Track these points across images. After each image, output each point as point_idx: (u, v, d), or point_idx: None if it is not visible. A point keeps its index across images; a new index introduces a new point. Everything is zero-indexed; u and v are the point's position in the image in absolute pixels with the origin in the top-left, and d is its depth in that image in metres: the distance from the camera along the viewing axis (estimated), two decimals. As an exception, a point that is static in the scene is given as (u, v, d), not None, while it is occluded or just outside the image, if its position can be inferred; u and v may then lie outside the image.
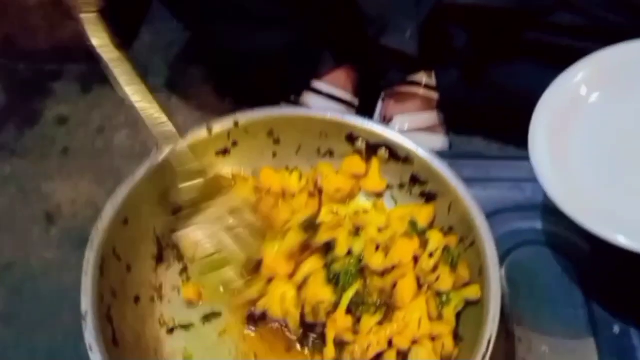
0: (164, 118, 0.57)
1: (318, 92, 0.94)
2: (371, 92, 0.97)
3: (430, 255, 0.56)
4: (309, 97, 0.95)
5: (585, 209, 0.54)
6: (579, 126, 0.61)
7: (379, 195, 0.66)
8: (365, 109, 0.97)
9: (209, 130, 0.64)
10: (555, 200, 0.55)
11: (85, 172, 0.98)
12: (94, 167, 1.00)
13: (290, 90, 0.96)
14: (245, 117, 0.65)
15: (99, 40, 0.56)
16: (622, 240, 0.52)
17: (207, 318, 0.61)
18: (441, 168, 0.61)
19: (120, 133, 1.05)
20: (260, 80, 0.95)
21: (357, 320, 0.56)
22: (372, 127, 0.65)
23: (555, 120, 0.60)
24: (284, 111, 0.66)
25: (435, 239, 0.57)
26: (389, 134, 0.64)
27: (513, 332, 0.61)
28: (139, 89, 0.57)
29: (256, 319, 0.60)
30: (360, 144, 0.66)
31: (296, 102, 0.94)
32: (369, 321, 0.55)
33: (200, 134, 0.64)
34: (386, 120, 0.92)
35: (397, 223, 0.61)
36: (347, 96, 0.94)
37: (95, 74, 0.98)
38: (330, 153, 0.67)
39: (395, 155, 0.64)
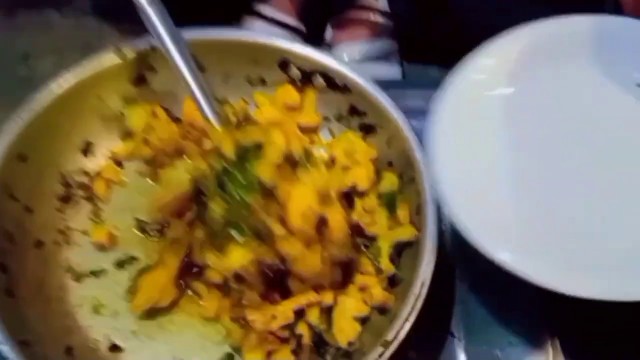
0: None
1: (260, 16, 0.87)
2: (321, 18, 0.90)
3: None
4: (250, 22, 0.87)
5: (479, 221, 0.45)
6: (485, 126, 0.51)
7: (315, 130, 0.59)
8: (315, 37, 0.89)
9: (121, 54, 0.56)
10: (450, 207, 0.46)
11: (6, 103, 0.89)
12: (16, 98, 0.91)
13: (231, 14, 0.88)
14: (162, 40, 0.57)
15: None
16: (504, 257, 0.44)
17: (121, 264, 0.55)
18: (381, 98, 0.54)
19: (45, 60, 0.96)
20: (199, 2, 0.86)
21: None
22: (307, 52, 0.58)
23: (456, 121, 0.50)
24: (207, 33, 0.58)
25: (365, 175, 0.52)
26: (326, 60, 0.57)
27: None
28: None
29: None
30: (294, 71, 0.59)
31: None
32: None
33: (110, 58, 0.56)
34: (335, 48, 0.85)
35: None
36: (292, 21, 0.86)
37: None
38: (262, 81, 0.61)
39: (333, 83, 0.57)
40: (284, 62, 0.59)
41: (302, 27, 0.88)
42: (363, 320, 0.51)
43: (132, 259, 0.55)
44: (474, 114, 0.50)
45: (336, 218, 0.49)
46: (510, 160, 0.49)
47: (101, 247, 0.55)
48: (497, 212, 0.47)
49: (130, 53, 0.57)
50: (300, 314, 0.51)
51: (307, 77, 0.59)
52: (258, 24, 0.87)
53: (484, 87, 0.52)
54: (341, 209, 0.49)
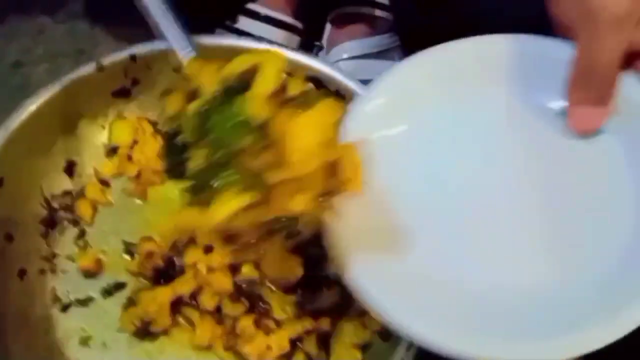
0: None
1: (254, 15, 0.82)
2: (318, 14, 0.86)
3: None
4: (244, 22, 0.83)
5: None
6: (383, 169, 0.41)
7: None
8: (313, 34, 0.85)
9: (99, 65, 0.53)
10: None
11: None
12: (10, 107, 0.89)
13: (224, 14, 0.84)
14: (145, 49, 0.53)
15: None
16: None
17: (109, 291, 0.52)
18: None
19: (38, 68, 0.93)
20: (191, 3, 0.83)
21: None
22: (295, 56, 0.54)
23: None
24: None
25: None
26: (315, 65, 0.53)
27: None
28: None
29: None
30: (283, 78, 0.55)
31: (231, 28, 0.83)
32: None
33: (88, 70, 0.53)
34: (333, 46, 0.81)
35: None
36: (287, 19, 0.82)
37: (9, 2, 0.86)
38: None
39: (324, 88, 0.53)
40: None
41: (299, 25, 0.84)
42: (364, 347, 0.48)
43: (120, 286, 0.52)
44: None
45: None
46: (408, 212, 0.41)
47: (88, 274, 0.52)
48: (398, 274, 0.39)
49: (110, 66, 0.53)
50: (296, 342, 0.48)
51: (298, 83, 0.54)
52: (252, 23, 0.83)
53: (376, 127, 0.43)
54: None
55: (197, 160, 0.36)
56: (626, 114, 0.40)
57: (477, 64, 0.44)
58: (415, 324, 0.36)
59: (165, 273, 0.52)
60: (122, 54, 0.53)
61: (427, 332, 0.36)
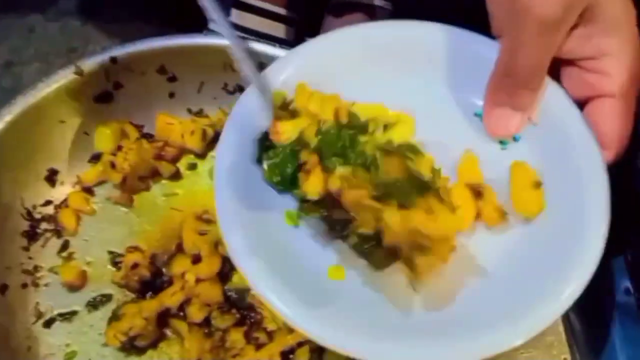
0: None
1: (247, 7, 0.79)
2: (315, 4, 0.82)
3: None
4: (237, 15, 0.80)
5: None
6: None
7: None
8: (310, 25, 0.82)
9: (78, 69, 0.50)
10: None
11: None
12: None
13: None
14: (125, 51, 0.51)
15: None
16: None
17: (94, 304, 0.50)
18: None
19: (30, 68, 0.91)
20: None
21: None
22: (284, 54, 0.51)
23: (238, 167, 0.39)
24: (174, 41, 0.52)
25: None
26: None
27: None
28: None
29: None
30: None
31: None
32: None
33: (66, 75, 0.50)
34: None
35: None
36: (282, 10, 0.79)
37: (-1, 1, 0.84)
38: (241, 89, 0.54)
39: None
40: (262, 67, 0.52)
41: (294, 16, 0.81)
42: None
43: (106, 298, 0.50)
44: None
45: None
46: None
47: (72, 287, 0.50)
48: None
49: (90, 69, 0.51)
50: (288, 355, 0.46)
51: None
52: (246, 16, 0.80)
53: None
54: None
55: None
56: (545, 126, 0.38)
57: (403, 47, 0.41)
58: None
59: (152, 284, 0.50)
60: (102, 57, 0.51)
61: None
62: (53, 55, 0.87)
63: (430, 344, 0.34)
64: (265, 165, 0.38)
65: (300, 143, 0.38)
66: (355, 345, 0.34)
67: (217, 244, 0.49)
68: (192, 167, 0.55)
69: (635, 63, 0.36)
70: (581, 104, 0.38)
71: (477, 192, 0.38)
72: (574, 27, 0.35)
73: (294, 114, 0.40)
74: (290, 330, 0.47)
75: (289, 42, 0.78)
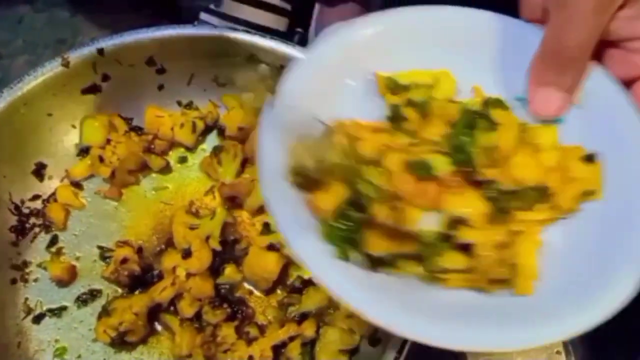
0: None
1: (242, -1, 0.78)
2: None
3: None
4: (229, 5, 0.79)
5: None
6: None
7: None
8: (302, 16, 0.82)
9: (65, 61, 0.50)
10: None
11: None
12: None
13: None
14: (112, 43, 0.50)
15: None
16: None
17: (84, 300, 0.49)
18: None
19: (18, 59, 0.90)
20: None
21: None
22: (276, 45, 0.50)
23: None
24: (163, 32, 0.51)
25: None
26: (299, 54, 0.50)
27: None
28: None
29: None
30: (264, 69, 0.52)
31: (216, 12, 0.79)
32: None
33: (53, 67, 0.50)
34: (322, 26, 0.77)
35: None
36: (274, 0, 0.78)
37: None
38: (231, 81, 0.54)
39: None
40: (252, 59, 0.52)
41: (287, 7, 0.80)
42: (351, 352, 0.45)
43: (95, 293, 0.50)
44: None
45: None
46: None
47: (61, 282, 0.50)
48: None
49: (77, 61, 0.50)
50: (280, 349, 0.46)
51: (278, 74, 0.51)
52: (238, 6, 0.79)
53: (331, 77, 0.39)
54: None
55: None
56: (590, 108, 0.37)
57: (442, 31, 0.40)
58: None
59: (142, 279, 0.49)
60: (89, 49, 0.50)
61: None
62: (42, 46, 0.86)
63: (500, 329, 0.33)
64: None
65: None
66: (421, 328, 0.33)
67: (207, 237, 0.49)
68: (182, 160, 0.55)
69: None
70: (626, 86, 0.37)
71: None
72: (620, 8, 0.35)
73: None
74: (282, 324, 0.46)
75: (281, 33, 0.77)
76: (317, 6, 0.81)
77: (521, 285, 0.34)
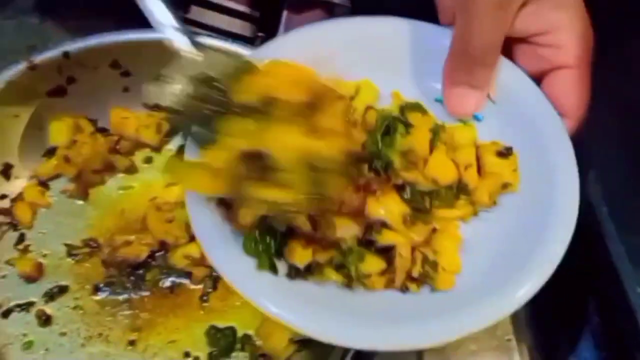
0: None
1: (207, 5, 0.80)
2: (275, 1, 0.83)
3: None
4: (197, 11, 0.80)
5: None
6: None
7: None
8: (270, 23, 0.83)
9: (31, 64, 0.51)
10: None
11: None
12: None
13: (177, 5, 0.81)
14: (77, 46, 0.52)
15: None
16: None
17: (51, 295, 0.51)
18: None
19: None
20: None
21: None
22: (238, 49, 0.52)
23: None
24: (127, 36, 0.53)
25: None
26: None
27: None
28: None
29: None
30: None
31: (183, 19, 0.80)
32: None
33: (19, 70, 0.51)
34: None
35: None
36: (241, 7, 0.80)
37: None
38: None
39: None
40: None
41: (255, 14, 0.82)
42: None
43: (62, 289, 0.51)
44: None
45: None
46: None
47: (28, 279, 0.51)
48: None
49: (43, 64, 0.52)
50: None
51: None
52: (205, 12, 0.80)
53: None
54: None
55: None
56: (505, 103, 0.39)
57: (364, 41, 0.41)
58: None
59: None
60: (54, 52, 0.52)
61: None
62: (12, 53, 0.87)
63: (422, 325, 0.34)
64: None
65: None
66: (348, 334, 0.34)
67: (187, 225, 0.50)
68: (148, 160, 0.56)
69: (586, 33, 0.38)
70: (537, 80, 0.39)
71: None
72: (523, 5, 0.36)
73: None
74: None
75: (248, 39, 0.79)
76: (284, 13, 0.83)
77: (441, 281, 0.36)
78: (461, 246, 0.37)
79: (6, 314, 0.50)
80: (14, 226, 0.53)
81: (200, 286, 0.51)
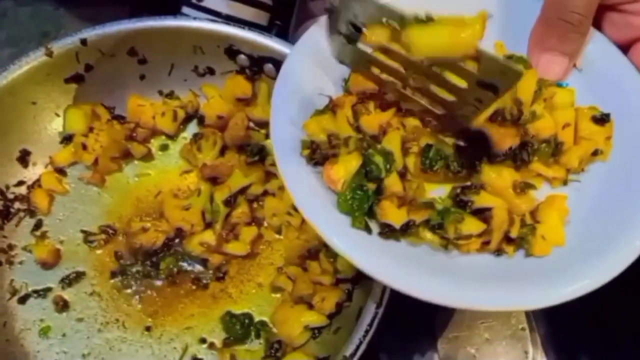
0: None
1: (222, -7, 0.80)
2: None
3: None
4: (212, 0, 0.80)
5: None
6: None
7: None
8: (284, 11, 0.83)
9: (49, 51, 0.51)
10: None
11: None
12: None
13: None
14: (94, 33, 0.52)
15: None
16: None
17: (68, 281, 0.51)
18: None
19: (2, 53, 0.91)
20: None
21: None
22: (254, 37, 0.52)
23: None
24: (144, 23, 0.53)
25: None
26: (277, 45, 0.52)
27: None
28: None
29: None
30: (243, 59, 0.54)
31: (197, 6, 0.80)
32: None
33: (37, 57, 0.51)
34: (303, 20, 0.79)
35: None
36: (259, -5, 0.80)
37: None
38: (211, 71, 0.56)
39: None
40: (231, 50, 0.54)
41: (268, 1, 0.82)
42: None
43: (79, 275, 0.51)
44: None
45: None
46: None
47: (45, 265, 0.51)
48: None
49: (61, 51, 0.52)
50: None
51: (256, 64, 0.53)
52: (222, 1, 0.80)
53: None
54: None
55: None
56: (591, 72, 0.39)
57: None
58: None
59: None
60: (72, 39, 0.52)
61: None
62: (26, 40, 0.87)
63: (515, 289, 0.34)
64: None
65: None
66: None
67: (203, 212, 0.50)
68: (164, 148, 0.57)
69: None
70: (625, 48, 0.39)
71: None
72: None
73: None
74: None
75: (263, 27, 0.79)
76: (297, 1, 0.83)
77: (539, 246, 0.36)
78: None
79: (23, 299, 0.51)
80: (31, 212, 0.53)
81: (216, 273, 0.51)
